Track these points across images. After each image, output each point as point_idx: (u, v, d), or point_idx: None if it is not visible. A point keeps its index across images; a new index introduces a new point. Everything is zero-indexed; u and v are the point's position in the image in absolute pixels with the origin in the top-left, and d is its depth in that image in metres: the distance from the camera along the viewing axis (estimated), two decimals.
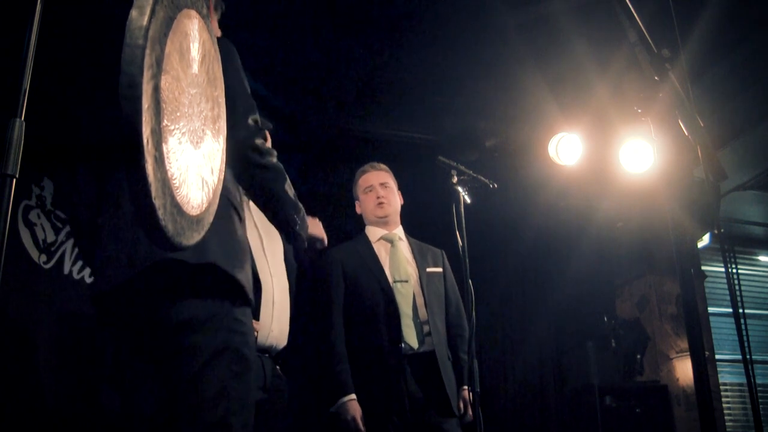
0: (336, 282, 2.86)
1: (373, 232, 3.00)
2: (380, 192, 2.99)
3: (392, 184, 3.05)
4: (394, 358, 2.68)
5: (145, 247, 1.46)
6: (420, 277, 2.88)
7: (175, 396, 1.45)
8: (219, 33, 1.90)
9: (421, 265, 2.92)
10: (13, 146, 1.06)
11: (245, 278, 1.56)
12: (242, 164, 1.61)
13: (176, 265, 1.45)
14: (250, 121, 1.64)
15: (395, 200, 3.03)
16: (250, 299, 1.59)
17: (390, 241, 2.96)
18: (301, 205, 1.82)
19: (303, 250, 2.01)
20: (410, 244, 3.02)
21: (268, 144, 2.51)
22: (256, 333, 2.28)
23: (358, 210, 3.08)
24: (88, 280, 3.01)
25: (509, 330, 4.78)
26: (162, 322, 1.47)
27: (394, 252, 2.93)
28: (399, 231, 3.03)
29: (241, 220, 1.65)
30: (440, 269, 2.98)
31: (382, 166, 3.09)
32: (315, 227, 2.02)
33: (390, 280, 2.83)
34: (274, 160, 1.74)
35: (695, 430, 4.17)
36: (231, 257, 1.53)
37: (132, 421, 1.52)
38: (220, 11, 1.94)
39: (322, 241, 2.08)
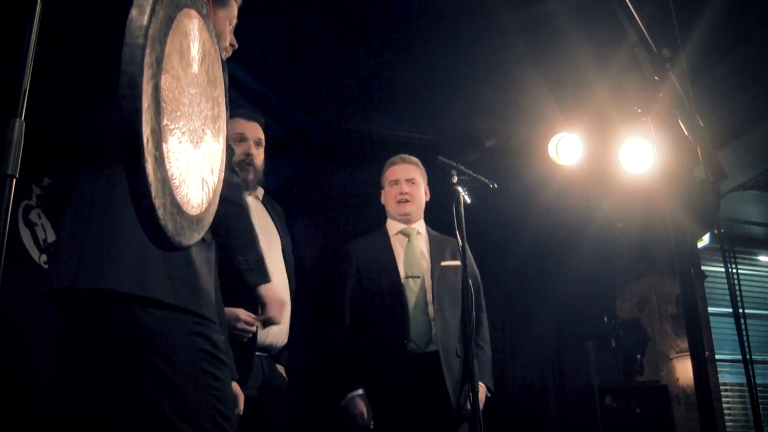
0: (348, 277, 2.84)
1: (393, 226, 2.97)
2: (404, 188, 2.95)
3: (420, 179, 3.01)
4: (399, 355, 2.67)
5: (92, 269, 1.42)
6: (432, 272, 2.84)
7: (153, 403, 1.42)
8: (235, 21, 1.88)
9: (435, 260, 2.88)
10: (13, 146, 1.06)
11: (200, 303, 1.50)
12: None
13: (115, 294, 1.41)
14: None
15: (419, 196, 2.98)
16: (207, 317, 1.52)
17: (407, 235, 2.93)
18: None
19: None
20: (429, 237, 2.97)
21: (260, 137, 2.49)
22: (255, 330, 2.27)
23: (382, 199, 3.04)
24: None
25: (509, 330, 4.78)
26: (118, 327, 1.44)
27: (410, 247, 2.91)
28: (419, 225, 2.99)
29: (204, 240, 1.59)
30: (458, 262, 2.95)
31: (413, 159, 3.04)
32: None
33: (402, 275, 2.80)
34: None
35: (695, 430, 4.17)
36: (179, 286, 1.47)
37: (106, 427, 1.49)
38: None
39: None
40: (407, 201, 2.94)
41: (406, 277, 2.80)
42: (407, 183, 2.96)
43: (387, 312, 2.74)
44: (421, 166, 3.04)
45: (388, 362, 2.68)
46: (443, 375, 2.68)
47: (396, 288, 2.77)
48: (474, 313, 2.92)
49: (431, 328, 2.74)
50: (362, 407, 2.61)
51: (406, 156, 3.04)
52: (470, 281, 2.97)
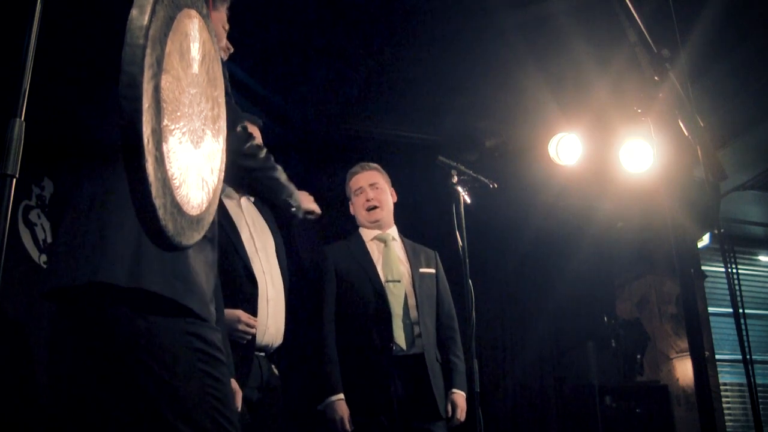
0: (328, 280, 2.84)
1: (367, 233, 2.98)
2: (370, 194, 2.96)
3: (383, 183, 3.01)
4: (384, 358, 2.67)
5: (89, 265, 1.43)
6: (412, 278, 2.86)
7: (150, 404, 1.42)
8: (227, 26, 1.90)
9: (414, 266, 2.90)
10: (13, 146, 1.05)
11: (193, 299, 1.49)
12: (239, 171, 1.69)
13: (111, 288, 1.41)
14: (238, 129, 1.72)
15: (387, 200, 2.99)
16: (202, 317, 1.52)
17: (383, 241, 2.95)
18: (291, 187, 1.99)
19: (300, 221, 2.18)
20: (404, 244, 3.00)
21: (258, 140, 2.52)
22: (254, 331, 2.27)
23: (352, 210, 3.05)
24: None
25: (509, 330, 4.78)
26: (113, 330, 1.43)
27: (387, 252, 2.91)
28: (392, 231, 3.00)
29: (205, 237, 1.57)
30: (433, 270, 2.97)
31: (373, 165, 3.05)
32: (306, 201, 2.19)
33: (382, 279, 2.81)
34: (263, 155, 1.84)
35: (695, 430, 4.17)
36: (173, 281, 1.47)
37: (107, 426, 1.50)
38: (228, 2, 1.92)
39: (314, 212, 2.24)
40: (376, 207, 2.94)
41: (387, 281, 2.81)
42: (371, 188, 2.97)
43: (370, 316, 2.74)
44: (383, 171, 3.05)
45: (373, 365, 2.67)
46: (429, 376, 2.69)
47: (378, 292, 2.77)
48: (449, 321, 2.94)
49: (413, 332, 2.74)
50: (342, 412, 2.60)
51: (365, 163, 3.05)
52: (447, 288, 3.00)
